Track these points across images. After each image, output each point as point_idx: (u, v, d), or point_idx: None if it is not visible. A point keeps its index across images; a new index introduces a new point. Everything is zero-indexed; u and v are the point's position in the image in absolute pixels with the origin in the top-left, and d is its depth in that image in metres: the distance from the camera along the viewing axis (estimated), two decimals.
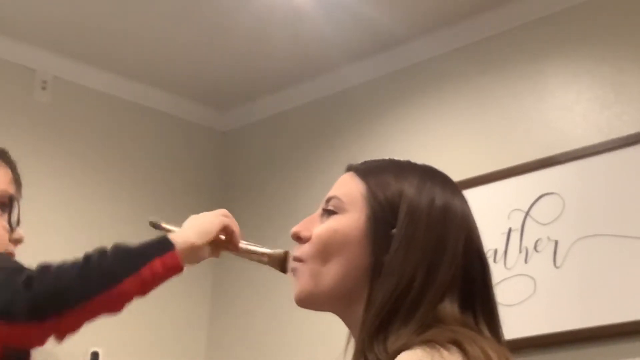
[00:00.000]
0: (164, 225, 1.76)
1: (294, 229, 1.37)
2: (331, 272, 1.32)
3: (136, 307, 4.98)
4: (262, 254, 1.70)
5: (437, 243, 1.28)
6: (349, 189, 1.35)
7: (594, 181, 3.24)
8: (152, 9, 3.80)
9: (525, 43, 3.59)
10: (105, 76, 4.24)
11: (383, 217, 1.31)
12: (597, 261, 3.15)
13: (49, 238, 3.99)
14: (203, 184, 4.51)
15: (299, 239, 1.36)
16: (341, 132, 4.10)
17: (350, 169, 1.39)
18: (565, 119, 3.41)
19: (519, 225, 3.37)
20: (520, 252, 3.34)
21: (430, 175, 1.36)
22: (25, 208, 4.22)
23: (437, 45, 3.83)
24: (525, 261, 3.32)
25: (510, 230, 3.38)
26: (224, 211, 1.77)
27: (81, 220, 4.09)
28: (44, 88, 4.09)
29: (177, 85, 4.37)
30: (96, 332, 4.03)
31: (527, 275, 3.30)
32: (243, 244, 1.74)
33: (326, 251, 1.32)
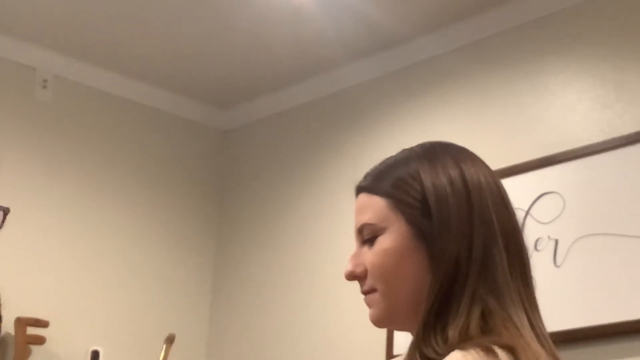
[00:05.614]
0: None
1: (347, 270, 1.35)
2: (402, 287, 1.31)
3: (137, 307, 4.95)
4: None
5: (469, 212, 1.30)
6: (372, 209, 1.35)
7: (595, 180, 3.24)
8: (153, 8, 3.79)
9: (526, 42, 3.59)
10: (106, 75, 4.24)
11: (419, 213, 1.31)
12: (597, 260, 3.15)
13: (49, 238, 3.99)
14: (204, 183, 4.50)
15: (356, 277, 1.35)
16: (342, 131, 4.10)
17: (359, 190, 1.39)
18: (566, 118, 3.41)
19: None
20: None
21: (433, 152, 1.39)
22: (25, 207, 4.20)
23: (438, 44, 3.82)
24: None
25: None
26: None
27: (81, 219, 4.09)
28: (44, 87, 4.09)
29: (178, 84, 4.36)
30: (97, 331, 4.06)
31: None
32: None
33: (388, 273, 1.31)
